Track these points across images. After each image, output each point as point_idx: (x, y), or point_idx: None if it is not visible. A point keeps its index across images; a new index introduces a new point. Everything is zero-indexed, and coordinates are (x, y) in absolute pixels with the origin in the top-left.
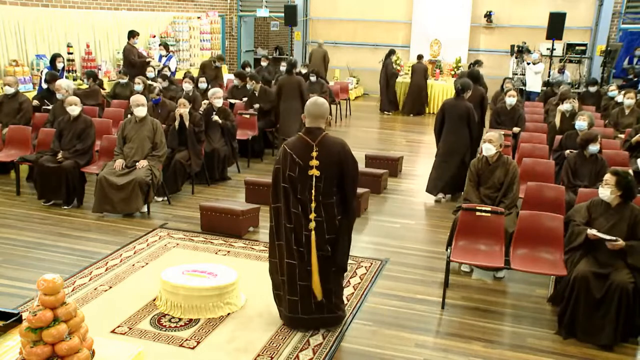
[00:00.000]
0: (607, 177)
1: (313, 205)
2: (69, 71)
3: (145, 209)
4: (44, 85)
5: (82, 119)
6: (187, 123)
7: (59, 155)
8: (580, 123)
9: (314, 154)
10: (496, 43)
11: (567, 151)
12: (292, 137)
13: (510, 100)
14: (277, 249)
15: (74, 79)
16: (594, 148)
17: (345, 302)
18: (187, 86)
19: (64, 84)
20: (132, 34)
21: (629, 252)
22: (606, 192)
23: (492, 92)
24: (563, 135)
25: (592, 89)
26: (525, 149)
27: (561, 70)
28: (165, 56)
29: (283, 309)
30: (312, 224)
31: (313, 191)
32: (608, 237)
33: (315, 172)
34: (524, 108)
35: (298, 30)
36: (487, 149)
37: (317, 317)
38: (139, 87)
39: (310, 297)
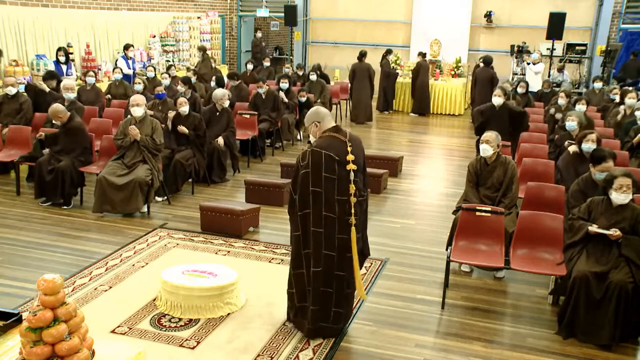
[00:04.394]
0: (627, 182)
1: (352, 200)
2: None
3: (145, 209)
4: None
5: (74, 126)
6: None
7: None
8: (570, 123)
9: (349, 148)
10: (496, 43)
11: (567, 142)
12: (322, 139)
13: (497, 100)
14: (304, 258)
15: (76, 79)
16: (586, 146)
17: None
18: (180, 89)
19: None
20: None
21: (623, 244)
22: (629, 196)
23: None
24: (558, 136)
25: (597, 85)
26: (525, 149)
27: (560, 70)
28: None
29: (306, 320)
30: (353, 220)
31: (350, 186)
32: (608, 231)
33: (352, 167)
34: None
35: (298, 30)
36: (485, 150)
37: (336, 327)
38: (138, 86)
39: (331, 305)
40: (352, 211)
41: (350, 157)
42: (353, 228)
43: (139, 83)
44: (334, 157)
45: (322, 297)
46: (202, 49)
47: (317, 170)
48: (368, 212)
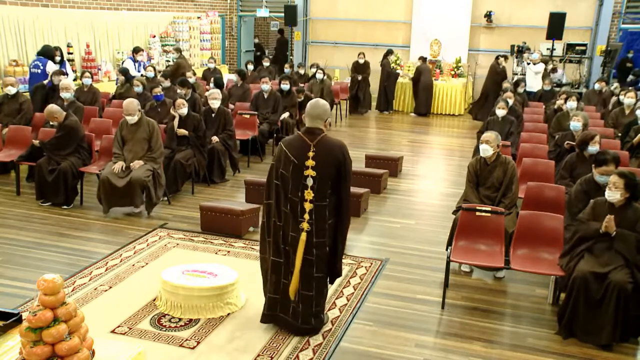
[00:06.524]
0: (615, 179)
1: (307, 206)
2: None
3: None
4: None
5: (68, 124)
6: (176, 126)
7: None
8: (575, 124)
9: (311, 154)
10: (496, 43)
11: (566, 143)
12: (291, 137)
13: (501, 112)
14: (268, 245)
15: (74, 79)
16: (592, 149)
17: (346, 302)
18: (180, 92)
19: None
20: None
21: (616, 238)
22: (616, 194)
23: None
24: (559, 135)
25: (597, 86)
26: (525, 149)
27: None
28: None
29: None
30: (306, 226)
31: (307, 192)
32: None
33: (311, 173)
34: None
35: (298, 30)
36: (484, 150)
37: (291, 322)
38: (138, 88)
39: (290, 300)
40: (306, 216)
41: (310, 162)
42: (304, 233)
43: (138, 85)
44: (290, 156)
45: (284, 288)
46: (178, 51)
47: (277, 164)
48: (367, 212)
